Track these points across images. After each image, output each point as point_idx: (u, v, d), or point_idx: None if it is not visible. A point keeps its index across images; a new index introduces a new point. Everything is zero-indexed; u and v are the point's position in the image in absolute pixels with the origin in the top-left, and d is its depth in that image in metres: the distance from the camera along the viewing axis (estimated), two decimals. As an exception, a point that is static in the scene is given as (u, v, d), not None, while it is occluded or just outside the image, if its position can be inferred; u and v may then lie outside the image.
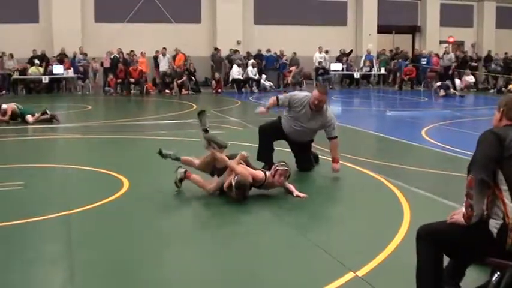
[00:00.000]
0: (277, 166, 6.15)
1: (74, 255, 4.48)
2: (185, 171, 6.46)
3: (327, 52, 25.59)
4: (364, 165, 7.91)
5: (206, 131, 6.67)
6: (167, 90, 22.45)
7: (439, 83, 21.56)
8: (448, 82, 21.53)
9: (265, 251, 4.65)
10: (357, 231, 5.20)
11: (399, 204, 5.95)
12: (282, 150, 7.79)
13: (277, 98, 7.53)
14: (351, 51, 26.44)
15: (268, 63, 25.13)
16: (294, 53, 25.26)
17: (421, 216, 5.11)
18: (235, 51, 24.88)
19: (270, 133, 7.48)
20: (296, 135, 7.39)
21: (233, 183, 5.84)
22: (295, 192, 6.16)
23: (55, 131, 11.86)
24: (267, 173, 6.17)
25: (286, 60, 25.45)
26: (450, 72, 24.06)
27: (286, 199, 6.13)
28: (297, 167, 7.53)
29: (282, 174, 6.08)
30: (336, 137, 7.20)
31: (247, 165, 6.27)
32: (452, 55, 24.91)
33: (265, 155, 7.36)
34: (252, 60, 24.00)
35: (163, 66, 23.36)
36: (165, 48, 23.56)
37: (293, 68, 25.23)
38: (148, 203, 6.09)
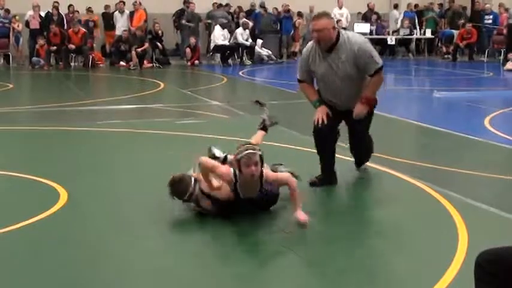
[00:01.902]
0: (237, 154, 5.83)
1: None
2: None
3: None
4: (402, 168, 7.92)
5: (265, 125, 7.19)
6: (122, 63, 22.43)
7: None
8: None
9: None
10: (392, 265, 5.20)
11: (452, 224, 5.95)
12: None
13: (299, 79, 7.35)
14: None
15: (259, 22, 25.04)
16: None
17: (483, 240, 5.11)
18: (220, 5, 24.78)
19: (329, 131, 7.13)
20: (338, 100, 7.05)
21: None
22: (297, 213, 5.75)
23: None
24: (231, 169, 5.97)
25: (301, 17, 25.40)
26: None
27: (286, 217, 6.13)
28: (351, 151, 7.53)
29: (250, 164, 5.73)
30: (378, 72, 6.87)
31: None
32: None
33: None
34: (243, 19, 23.97)
35: (121, 27, 23.37)
36: (123, 2, 23.58)
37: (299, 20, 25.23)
38: (94, 223, 6.08)
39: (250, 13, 25.27)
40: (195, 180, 6.05)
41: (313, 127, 7.13)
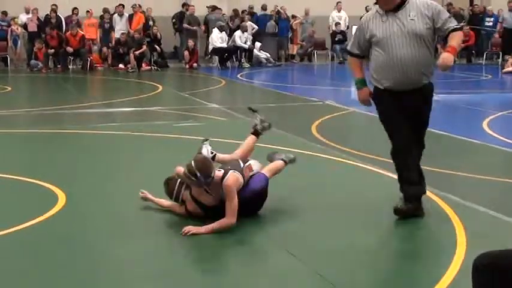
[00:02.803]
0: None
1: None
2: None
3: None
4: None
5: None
6: (121, 65, 22.44)
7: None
8: None
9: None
10: (391, 268, 5.21)
11: (450, 226, 5.97)
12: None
13: (350, 51, 6.51)
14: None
15: (262, 25, 25.10)
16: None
17: (481, 243, 5.12)
18: (214, 8, 24.79)
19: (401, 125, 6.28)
20: (397, 71, 6.10)
21: None
22: (202, 227, 5.82)
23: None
24: None
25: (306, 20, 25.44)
26: None
27: (288, 220, 6.13)
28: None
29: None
30: (459, 29, 6.18)
31: None
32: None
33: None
34: (248, 22, 23.86)
35: (120, 30, 23.38)
36: (122, 5, 23.59)
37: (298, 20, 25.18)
38: (92, 226, 6.09)
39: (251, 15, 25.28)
40: (180, 183, 6.20)
41: (391, 146, 6.38)
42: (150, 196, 6.53)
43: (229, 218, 5.79)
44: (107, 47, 23.08)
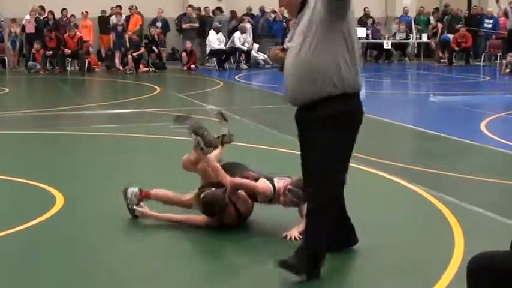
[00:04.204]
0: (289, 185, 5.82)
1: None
2: (140, 190, 6.25)
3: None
4: (398, 172, 7.94)
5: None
6: (119, 66, 22.46)
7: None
8: None
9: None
10: (388, 269, 5.22)
11: (448, 227, 5.99)
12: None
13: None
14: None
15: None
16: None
17: (479, 244, 5.14)
18: (217, 9, 24.81)
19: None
20: (285, 79, 5.11)
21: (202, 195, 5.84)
22: (298, 227, 5.78)
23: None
24: (276, 183, 5.93)
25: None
26: None
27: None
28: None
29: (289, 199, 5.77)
30: None
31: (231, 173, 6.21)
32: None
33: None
34: (247, 24, 23.84)
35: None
36: (119, 6, 23.59)
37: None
38: (90, 226, 6.11)
39: (251, 17, 25.31)
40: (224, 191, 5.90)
41: None
42: (149, 212, 6.13)
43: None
44: (119, 51, 22.83)
